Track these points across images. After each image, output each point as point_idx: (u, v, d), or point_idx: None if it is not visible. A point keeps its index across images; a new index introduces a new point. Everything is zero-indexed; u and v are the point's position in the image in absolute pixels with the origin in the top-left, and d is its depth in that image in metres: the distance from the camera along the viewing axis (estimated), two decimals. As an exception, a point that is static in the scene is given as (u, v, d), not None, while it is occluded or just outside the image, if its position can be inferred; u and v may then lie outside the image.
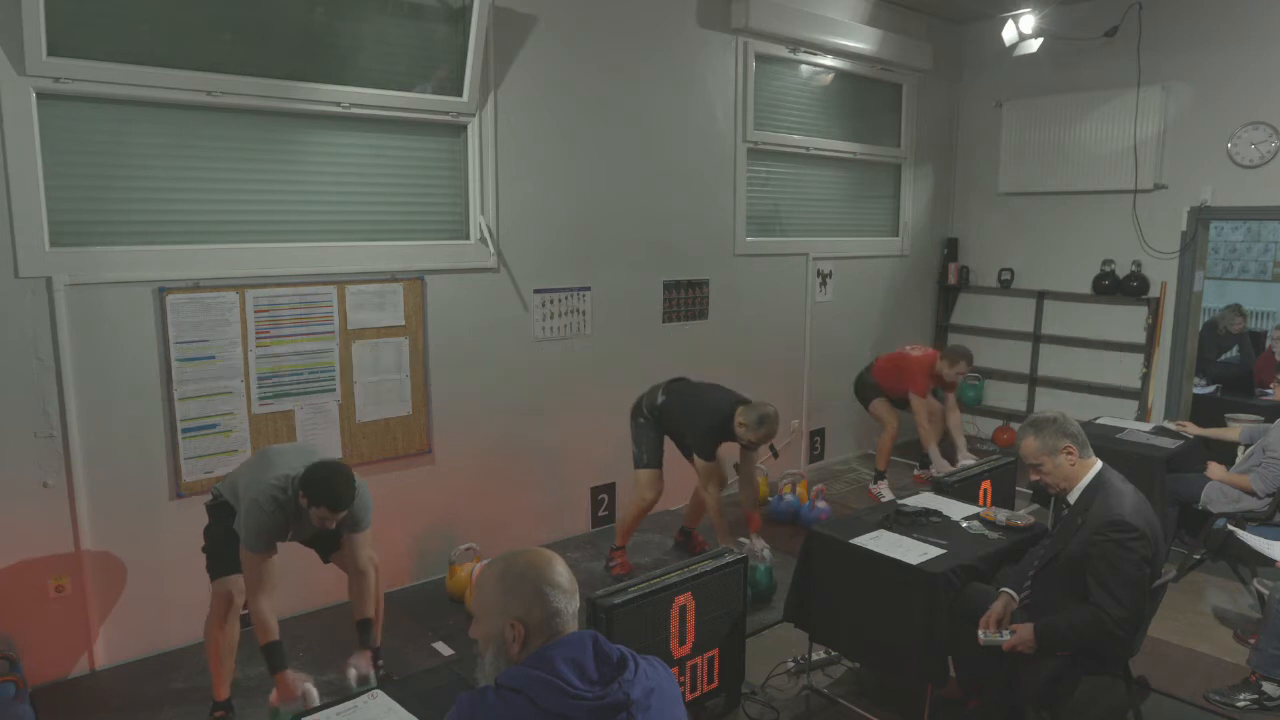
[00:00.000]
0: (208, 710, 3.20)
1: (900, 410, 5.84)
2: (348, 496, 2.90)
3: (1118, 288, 6.50)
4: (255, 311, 3.78)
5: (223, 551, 3.09)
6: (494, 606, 1.59)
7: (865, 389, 5.95)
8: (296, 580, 3.35)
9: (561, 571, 1.62)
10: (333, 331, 4.03)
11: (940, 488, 3.87)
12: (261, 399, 3.84)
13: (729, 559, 3.18)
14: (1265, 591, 3.99)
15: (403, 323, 4.23)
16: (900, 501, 3.65)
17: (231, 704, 3.20)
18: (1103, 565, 2.69)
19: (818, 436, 6.58)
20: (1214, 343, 7.33)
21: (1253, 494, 4.21)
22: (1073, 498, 2.86)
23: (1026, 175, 6.84)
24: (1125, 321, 6.52)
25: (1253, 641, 3.49)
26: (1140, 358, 6.44)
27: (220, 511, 3.14)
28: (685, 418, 4.30)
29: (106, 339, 3.46)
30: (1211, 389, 6.85)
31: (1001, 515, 3.43)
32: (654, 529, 5.10)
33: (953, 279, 7.35)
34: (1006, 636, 2.77)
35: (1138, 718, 3.19)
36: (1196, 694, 3.44)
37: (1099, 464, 2.87)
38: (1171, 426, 5.10)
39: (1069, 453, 2.83)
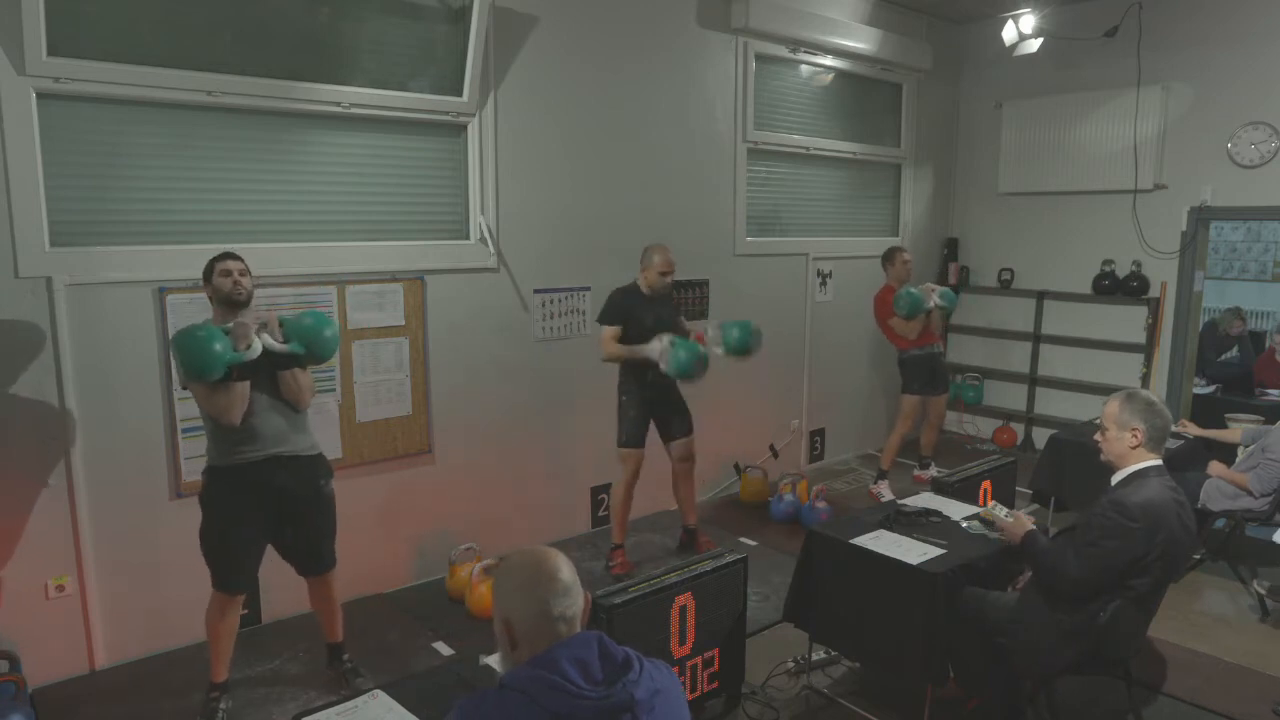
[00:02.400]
0: (205, 703, 3.22)
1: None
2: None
3: (1118, 288, 6.50)
4: (255, 311, 3.78)
5: (223, 557, 3.10)
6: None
7: (901, 370, 5.88)
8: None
9: (559, 571, 1.60)
10: (333, 331, 4.02)
11: (940, 488, 3.88)
12: (261, 399, 3.83)
13: (729, 559, 3.18)
14: (1263, 592, 3.99)
15: (403, 322, 4.23)
16: (900, 501, 3.65)
17: (228, 685, 3.27)
18: (1085, 531, 2.73)
19: (818, 436, 6.58)
20: (1214, 343, 7.34)
21: (1250, 493, 4.22)
22: (1115, 479, 2.86)
23: (1026, 175, 6.84)
24: (1125, 321, 6.51)
25: None
26: (1140, 358, 6.44)
27: (210, 492, 3.09)
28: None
29: (106, 339, 3.45)
30: (1211, 389, 6.86)
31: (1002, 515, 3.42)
32: (653, 529, 5.10)
33: (953, 279, 7.34)
34: (1009, 520, 3.03)
35: (1138, 718, 3.19)
36: (1196, 694, 3.43)
37: (1156, 463, 2.82)
38: (1172, 427, 5.09)
39: (1134, 435, 2.80)
